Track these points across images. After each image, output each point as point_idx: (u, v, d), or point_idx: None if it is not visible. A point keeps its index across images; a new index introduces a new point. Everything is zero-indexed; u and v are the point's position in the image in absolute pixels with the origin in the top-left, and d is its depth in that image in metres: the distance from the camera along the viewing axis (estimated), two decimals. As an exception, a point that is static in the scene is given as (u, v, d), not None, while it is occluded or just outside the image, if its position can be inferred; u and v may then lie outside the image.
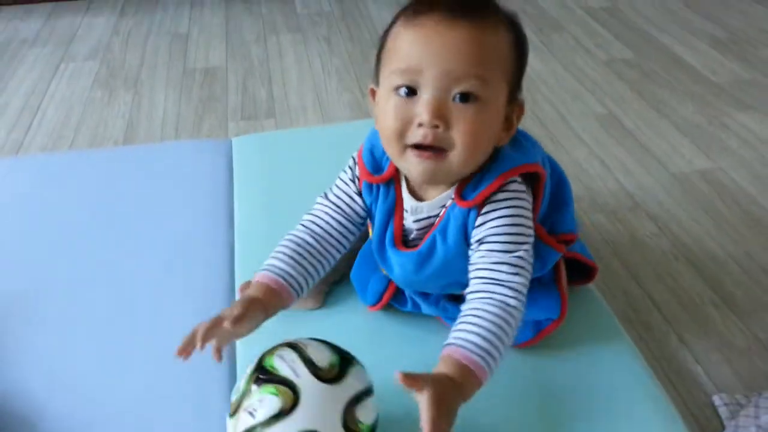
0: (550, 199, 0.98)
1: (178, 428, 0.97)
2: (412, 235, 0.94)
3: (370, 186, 0.95)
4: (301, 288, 0.92)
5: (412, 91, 0.81)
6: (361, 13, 3.13)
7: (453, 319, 0.95)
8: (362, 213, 0.98)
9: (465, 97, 0.80)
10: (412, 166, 0.84)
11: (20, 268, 1.23)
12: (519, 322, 0.85)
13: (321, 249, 0.96)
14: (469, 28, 0.80)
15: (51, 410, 0.98)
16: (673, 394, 1.34)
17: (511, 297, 0.84)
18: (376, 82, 0.88)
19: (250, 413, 0.76)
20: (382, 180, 0.93)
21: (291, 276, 0.91)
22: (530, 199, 0.91)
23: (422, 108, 0.80)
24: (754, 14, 2.96)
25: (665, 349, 1.44)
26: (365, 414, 0.78)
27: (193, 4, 3.27)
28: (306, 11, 3.17)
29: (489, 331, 0.81)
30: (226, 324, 0.82)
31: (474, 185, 0.88)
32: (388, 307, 1.06)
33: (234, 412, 0.79)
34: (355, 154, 0.99)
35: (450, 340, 0.82)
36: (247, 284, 1.03)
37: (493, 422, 0.92)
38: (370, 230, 1.00)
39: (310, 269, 0.94)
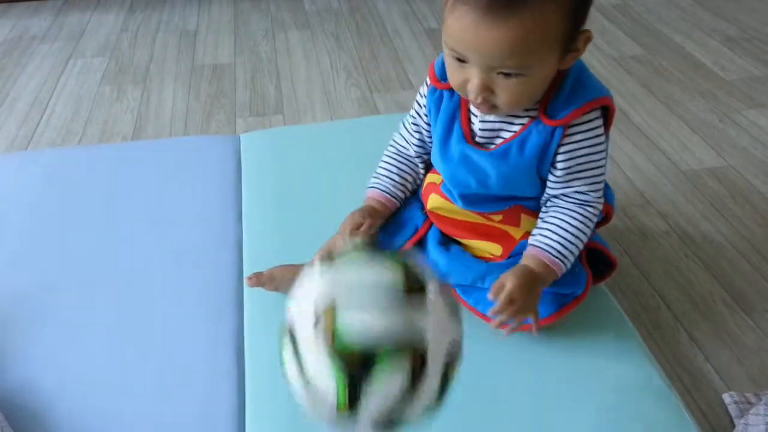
0: None
1: (187, 423, 0.96)
2: (477, 137, 1.01)
3: (434, 90, 1.03)
4: (401, 200, 1.14)
5: (463, 60, 0.88)
6: (369, 10, 3.12)
7: (465, 288, 1.03)
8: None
9: (507, 74, 0.86)
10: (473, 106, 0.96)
11: (30, 264, 1.23)
12: (595, 222, 1.01)
13: (411, 167, 1.15)
14: (507, 25, 0.81)
15: (61, 405, 0.98)
16: (683, 393, 1.33)
17: (590, 208, 0.99)
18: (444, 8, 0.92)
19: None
20: (448, 86, 0.99)
21: (395, 194, 1.13)
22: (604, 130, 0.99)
23: (471, 79, 0.88)
24: (766, 11, 2.94)
25: (675, 348, 1.43)
26: None
27: (202, 0, 3.27)
28: (314, 8, 3.16)
29: (568, 240, 0.97)
30: (364, 228, 1.04)
31: (561, 105, 0.94)
32: None
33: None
34: (427, 78, 1.06)
35: (535, 243, 0.99)
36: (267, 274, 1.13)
37: (501, 418, 0.92)
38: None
39: (408, 185, 1.15)
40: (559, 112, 0.94)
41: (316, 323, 0.62)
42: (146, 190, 1.40)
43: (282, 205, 1.34)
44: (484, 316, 1.00)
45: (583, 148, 0.96)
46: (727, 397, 1.32)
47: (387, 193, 1.12)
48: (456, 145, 1.00)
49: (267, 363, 1.02)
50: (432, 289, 0.65)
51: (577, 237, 0.98)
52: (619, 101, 2.33)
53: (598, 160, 0.99)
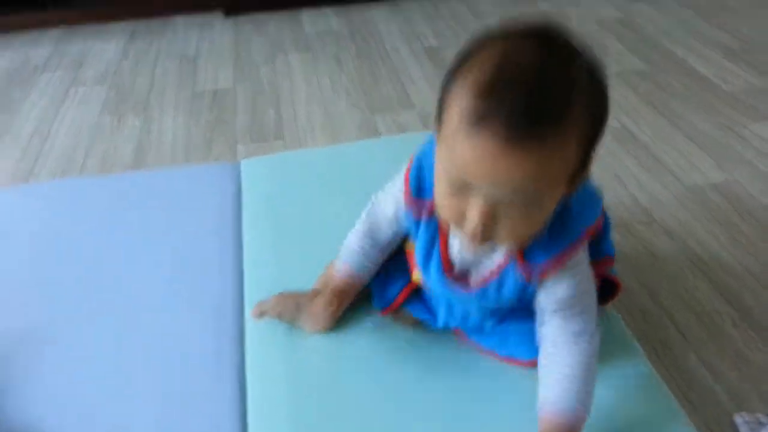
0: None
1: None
2: (458, 267, 0.93)
3: (409, 211, 0.95)
4: (368, 279, 1.07)
5: (463, 188, 0.77)
6: (369, 30, 3.13)
7: (473, 331, 0.99)
8: None
9: (514, 207, 0.76)
10: (463, 239, 0.85)
11: (31, 297, 1.22)
12: (596, 352, 0.91)
13: (384, 248, 1.06)
14: (529, 157, 0.71)
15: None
16: (692, 414, 1.31)
17: (588, 340, 0.90)
18: (438, 121, 0.81)
19: None
20: (426, 215, 0.92)
21: (366, 270, 1.06)
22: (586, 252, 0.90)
23: (472, 212, 0.77)
24: (765, 23, 2.93)
25: (684, 368, 1.41)
26: None
27: (202, 25, 3.28)
28: (314, 30, 3.17)
29: (580, 385, 0.88)
30: (325, 318, 1.04)
31: (538, 249, 0.85)
32: (398, 328, 1.05)
33: None
34: (402, 178, 0.97)
35: (547, 404, 0.88)
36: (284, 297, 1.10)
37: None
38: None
39: (378, 260, 1.06)
40: (538, 255, 0.86)
41: None
42: (147, 220, 1.39)
43: (283, 232, 1.33)
44: (502, 357, 0.99)
45: (570, 288, 0.89)
46: (737, 418, 1.30)
47: (359, 271, 1.06)
48: (435, 274, 0.94)
49: (269, 397, 1.01)
50: None
51: (585, 379, 0.89)
52: (622, 118, 2.32)
53: (587, 290, 0.91)
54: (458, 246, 0.91)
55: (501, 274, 0.89)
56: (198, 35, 3.18)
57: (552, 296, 0.89)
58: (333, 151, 1.76)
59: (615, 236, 1.72)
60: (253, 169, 1.55)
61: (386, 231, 1.03)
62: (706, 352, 1.44)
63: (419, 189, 0.91)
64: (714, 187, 1.94)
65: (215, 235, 1.35)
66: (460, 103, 0.73)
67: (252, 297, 1.18)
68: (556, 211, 0.82)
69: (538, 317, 0.93)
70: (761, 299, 1.56)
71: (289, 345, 1.08)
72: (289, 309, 1.07)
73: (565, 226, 0.85)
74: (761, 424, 1.28)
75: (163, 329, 1.14)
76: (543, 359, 0.92)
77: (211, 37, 3.15)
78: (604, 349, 1.02)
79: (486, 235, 0.78)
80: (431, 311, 1.04)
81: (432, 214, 0.91)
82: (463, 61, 0.76)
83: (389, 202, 1.00)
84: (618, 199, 1.91)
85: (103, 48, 3.09)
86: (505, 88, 0.70)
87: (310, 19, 3.28)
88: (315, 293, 1.08)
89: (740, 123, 2.24)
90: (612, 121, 2.30)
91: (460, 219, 0.79)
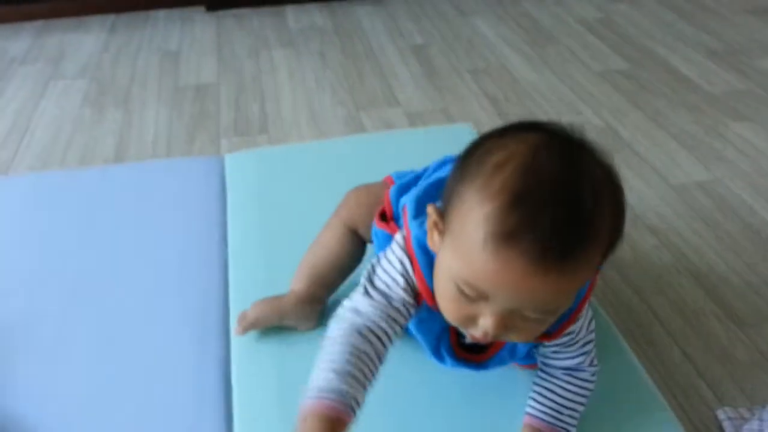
0: None
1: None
2: (468, 339, 0.88)
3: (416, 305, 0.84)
4: (360, 404, 0.76)
5: (479, 297, 0.71)
6: (353, 27, 3.12)
7: None
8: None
9: (530, 319, 0.72)
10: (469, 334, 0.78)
11: (9, 292, 1.20)
12: (590, 397, 0.92)
13: (378, 355, 0.80)
14: (561, 277, 0.67)
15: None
16: (677, 409, 1.32)
17: (590, 375, 0.92)
18: (441, 218, 0.75)
19: None
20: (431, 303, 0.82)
21: (355, 400, 0.75)
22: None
23: (486, 319, 0.71)
24: (748, 25, 2.96)
25: (668, 364, 1.42)
26: None
27: (184, 20, 3.25)
28: (298, 25, 3.15)
29: (571, 409, 0.90)
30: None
31: None
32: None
33: None
34: (393, 257, 0.85)
35: (534, 413, 0.90)
36: (244, 315, 1.05)
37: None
38: None
39: (371, 377, 0.78)
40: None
41: None
42: (128, 214, 1.37)
43: (268, 227, 1.32)
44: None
45: (576, 338, 0.88)
46: (721, 413, 1.31)
47: (342, 402, 0.73)
48: (445, 354, 0.91)
49: (255, 389, 1.00)
50: None
51: (575, 401, 0.90)
52: (606, 116, 2.33)
53: (589, 334, 0.90)
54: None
55: (510, 343, 0.89)
56: (180, 29, 3.15)
57: (560, 346, 0.89)
58: (320, 146, 1.75)
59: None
60: (238, 163, 1.53)
61: (385, 323, 0.81)
62: (691, 348, 1.45)
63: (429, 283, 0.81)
64: (697, 186, 1.95)
65: (199, 230, 1.34)
66: (481, 212, 0.67)
67: (237, 291, 1.17)
68: None
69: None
70: (744, 296, 1.57)
71: (275, 341, 1.07)
72: (272, 318, 1.05)
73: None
74: (744, 419, 1.29)
75: (145, 327, 1.12)
76: (540, 381, 0.93)
77: (193, 32, 3.12)
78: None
79: (497, 338, 0.74)
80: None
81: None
82: (475, 162, 0.71)
83: (393, 289, 0.83)
84: (602, 196, 1.92)
85: (83, 41, 3.05)
86: (536, 203, 0.66)
87: (294, 15, 3.26)
88: (294, 296, 1.06)
89: (722, 123, 2.25)
90: (595, 119, 2.31)
91: (469, 323, 0.74)
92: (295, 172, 1.47)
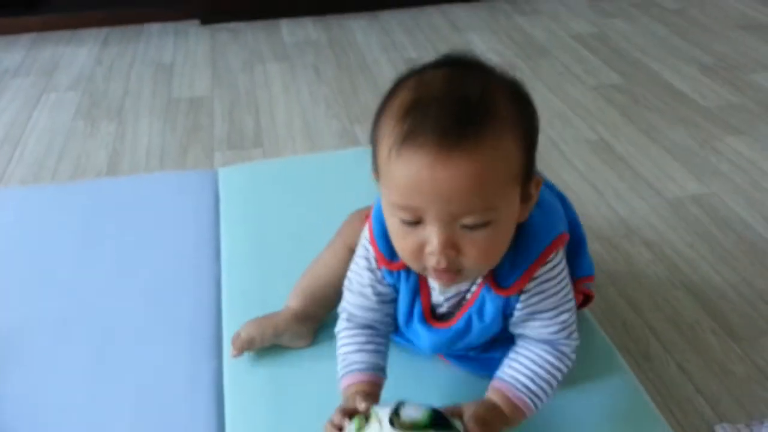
0: (568, 246, 0.94)
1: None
2: (442, 309, 0.91)
3: (389, 272, 0.90)
4: (385, 369, 0.93)
5: (416, 221, 0.75)
6: (348, 41, 3.12)
7: (455, 357, 0.98)
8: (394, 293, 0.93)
9: (472, 226, 0.74)
10: (432, 279, 0.84)
11: (2, 305, 1.19)
12: (567, 372, 0.90)
13: (380, 332, 0.94)
14: (466, 160, 0.70)
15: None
16: (675, 426, 1.31)
17: (568, 347, 0.89)
18: (376, 170, 0.80)
19: None
20: (402, 266, 0.87)
21: (376, 366, 0.91)
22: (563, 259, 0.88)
23: (431, 238, 0.74)
24: (740, 41, 2.98)
25: (665, 379, 1.41)
26: None
27: (178, 33, 3.25)
28: (293, 39, 3.16)
29: (542, 378, 0.87)
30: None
31: (507, 269, 0.84)
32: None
33: None
34: (366, 241, 0.91)
35: (502, 375, 0.88)
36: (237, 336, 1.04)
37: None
38: None
39: (383, 350, 0.94)
40: (508, 277, 0.84)
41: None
42: (121, 227, 1.36)
43: (261, 241, 1.31)
44: None
45: (545, 299, 0.87)
46: (719, 429, 1.30)
47: (369, 370, 0.90)
48: (418, 325, 0.92)
49: (247, 405, 0.99)
50: None
51: (551, 374, 0.88)
52: (600, 130, 2.33)
53: (563, 302, 0.88)
54: (438, 287, 0.89)
55: (478, 299, 0.87)
56: (174, 43, 3.15)
57: (529, 305, 0.87)
58: (314, 159, 1.75)
59: (594, 247, 1.74)
60: (232, 176, 1.53)
61: (374, 311, 0.93)
62: (687, 363, 1.44)
63: (391, 251, 0.85)
64: (692, 199, 1.95)
65: (192, 243, 1.33)
66: (386, 132, 0.74)
67: (230, 307, 1.16)
68: (518, 232, 0.81)
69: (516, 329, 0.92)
70: (741, 310, 1.57)
71: (268, 358, 1.05)
72: (267, 335, 1.04)
73: (528, 244, 0.83)
74: (742, 435, 1.28)
75: (137, 341, 1.11)
76: (515, 348, 0.91)
77: (187, 45, 3.12)
78: (587, 360, 1.01)
79: (451, 265, 0.75)
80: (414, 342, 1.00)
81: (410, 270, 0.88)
82: (384, 103, 0.78)
83: (364, 277, 0.92)
84: (596, 210, 1.92)
85: (77, 53, 3.05)
86: (424, 105, 0.72)
87: (288, 29, 3.26)
88: (290, 313, 1.05)
89: (716, 137, 2.26)
90: (589, 133, 2.31)
91: (421, 255, 0.76)
92: (289, 186, 1.46)
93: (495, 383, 0.88)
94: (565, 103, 2.51)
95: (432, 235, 0.74)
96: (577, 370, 0.99)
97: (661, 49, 2.93)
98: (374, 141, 0.78)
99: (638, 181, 2.04)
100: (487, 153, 0.71)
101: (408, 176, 0.71)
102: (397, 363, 0.96)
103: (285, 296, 1.09)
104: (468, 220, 0.73)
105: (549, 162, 2.14)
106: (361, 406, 0.78)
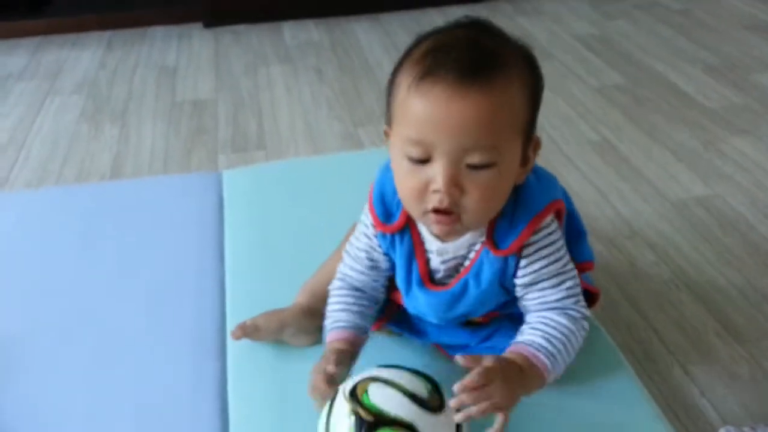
0: (566, 230, 0.97)
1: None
2: (440, 274, 0.93)
3: (384, 235, 0.95)
4: (367, 330, 1.00)
5: (425, 159, 0.80)
6: (350, 43, 3.12)
7: (454, 348, 0.99)
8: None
9: (477, 166, 0.79)
10: (432, 226, 0.86)
11: (5, 308, 1.19)
12: (582, 341, 0.91)
13: (368, 295, 1.00)
14: (480, 96, 0.76)
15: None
16: (678, 428, 1.30)
17: (578, 313, 0.90)
18: (389, 122, 0.86)
19: None
20: (396, 229, 0.93)
21: (361, 326, 0.98)
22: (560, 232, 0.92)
23: (437, 175, 0.79)
24: (745, 41, 2.97)
25: (670, 382, 1.41)
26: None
27: (181, 36, 3.26)
28: (295, 41, 3.16)
29: (556, 338, 0.88)
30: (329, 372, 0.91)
31: (505, 230, 0.88)
32: (384, 345, 1.04)
33: None
34: (366, 208, 0.97)
35: (517, 340, 0.89)
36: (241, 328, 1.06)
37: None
38: None
39: (372, 311, 1.01)
40: (505, 238, 0.88)
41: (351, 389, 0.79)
42: (125, 230, 1.37)
43: (265, 243, 1.31)
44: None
45: (546, 267, 0.89)
46: (723, 432, 1.30)
47: (351, 328, 0.97)
48: (417, 290, 0.94)
49: (251, 406, 0.99)
50: (447, 408, 0.79)
51: (565, 336, 0.88)
52: (603, 131, 2.33)
53: (565, 270, 0.91)
54: (436, 250, 0.91)
55: (477, 263, 0.90)
56: (177, 46, 3.16)
57: (530, 272, 0.89)
58: (317, 162, 1.75)
59: (597, 249, 1.74)
60: (236, 179, 1.53)
61: (365, 275, 0.99)
62: (692, 366, 1.44)
63: (387, 215, 0.93)
64: (696, 201, 1.94)
65: (196, 246, 1.33)
66: (405, 74, 0.80)
67: (234, 309, 1.16)
68: (516, 194, 0.86)
69: (523, 305, 0.94)
70: (745, 312, 1.56)
71: (272, 356, 1.06)
72: (272, 326, 1.05)
73: (526, 203, 0.88)
74: (747, 437, 1.27)
75: (141, 343, 1.12)
76: (527, 320, 0.92)
77: (191, 48, 3.13)
78: (590, 362, 1.01)
79: (453, 206, 0.80)
80: (416, 329, 1.03)
81: (404, 227, 0.92)
82: (403, 57, 0.84)
83: (361, 241, 0.98)
84: (599, 211, 1.91)
85: (80, 57, 3.05)
86: (444, 50, 0.79)
87: (291, 31, 3.27)
88: (297, 307, 1.07)
89: (720, 138, 2.25)
90: (592, 134, 2.31)
91: (425, 195, 0.81)
92: (292, 189, 1.47)
93: (510, 347, 0.89)
94: (567, 104, 2.51)
95: (438, 173, 0.78)
96: (580, 371, 0.99)
97: (665, 49, 2.92)
98: (391, 90, 0.84)
99: (642, 183, 2.04)
100: (498, 95, 0.77)
101: (424, 108, 0.77)
102: (397, 357, 0.96)
103: (289, 298, 1.10)
104: (474, 158, 0.78)
105: (552, 162, 2.14)
106: (330, 368, 0.87)
